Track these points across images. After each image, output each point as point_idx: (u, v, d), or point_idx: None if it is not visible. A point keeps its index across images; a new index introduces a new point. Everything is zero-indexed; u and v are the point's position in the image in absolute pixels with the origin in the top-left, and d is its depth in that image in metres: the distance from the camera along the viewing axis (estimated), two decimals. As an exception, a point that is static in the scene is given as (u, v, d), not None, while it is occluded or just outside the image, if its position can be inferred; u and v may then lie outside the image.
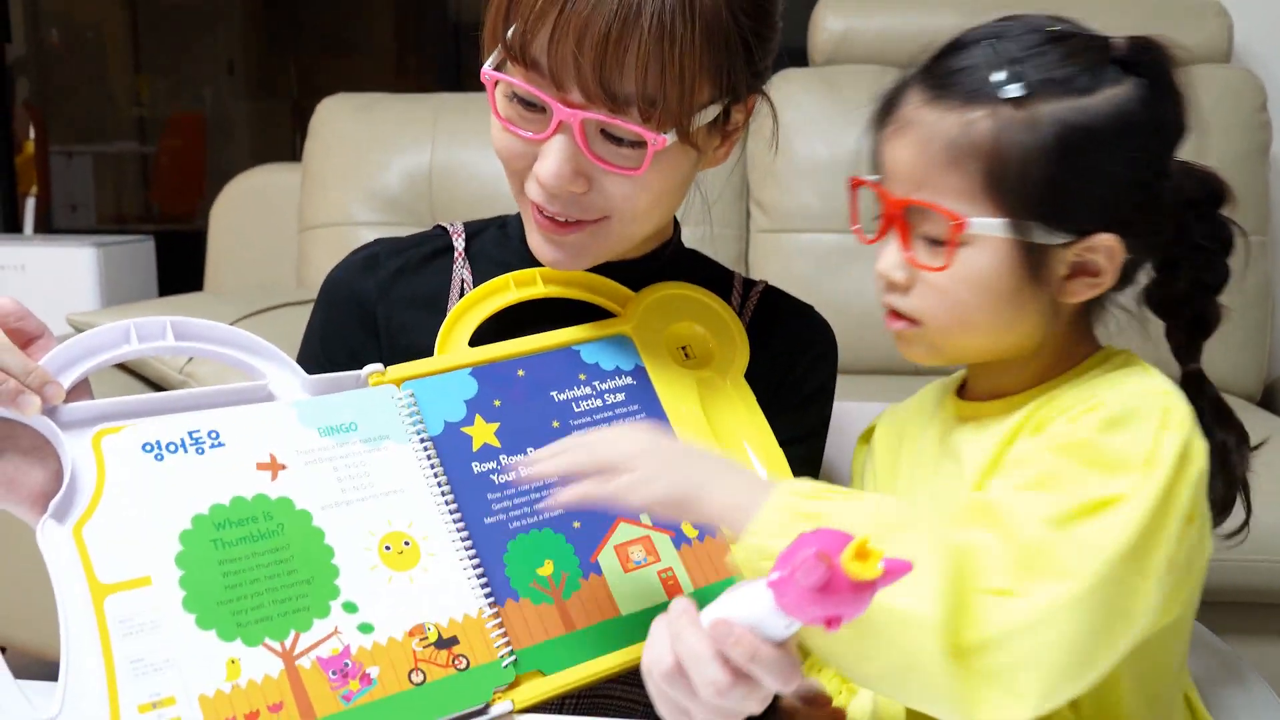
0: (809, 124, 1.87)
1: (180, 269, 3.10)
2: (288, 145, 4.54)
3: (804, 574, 0.55)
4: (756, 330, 0.93)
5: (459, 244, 0.93)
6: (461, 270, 0.92)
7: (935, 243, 0.74)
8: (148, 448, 0.71)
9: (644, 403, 0.86)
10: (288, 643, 0.69)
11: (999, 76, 0.72)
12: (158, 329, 0.75)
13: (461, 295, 0.90)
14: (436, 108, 2.04)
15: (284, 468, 0.74)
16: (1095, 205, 0.72)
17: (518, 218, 0.93)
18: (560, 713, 0.81)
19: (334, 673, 0.69)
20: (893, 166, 0.76)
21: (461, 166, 1.98)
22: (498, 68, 0.80)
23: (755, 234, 1.89)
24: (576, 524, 0.80)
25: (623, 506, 0.69)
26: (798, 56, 2.04)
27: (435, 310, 0.89)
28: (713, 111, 0.81)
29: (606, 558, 0.79)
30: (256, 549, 0.71)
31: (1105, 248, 0.73)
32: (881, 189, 0.77)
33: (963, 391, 0.84)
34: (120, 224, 4.57)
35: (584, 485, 0.70)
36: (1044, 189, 0.71)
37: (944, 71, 0.75)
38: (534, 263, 0.88)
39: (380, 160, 2.01)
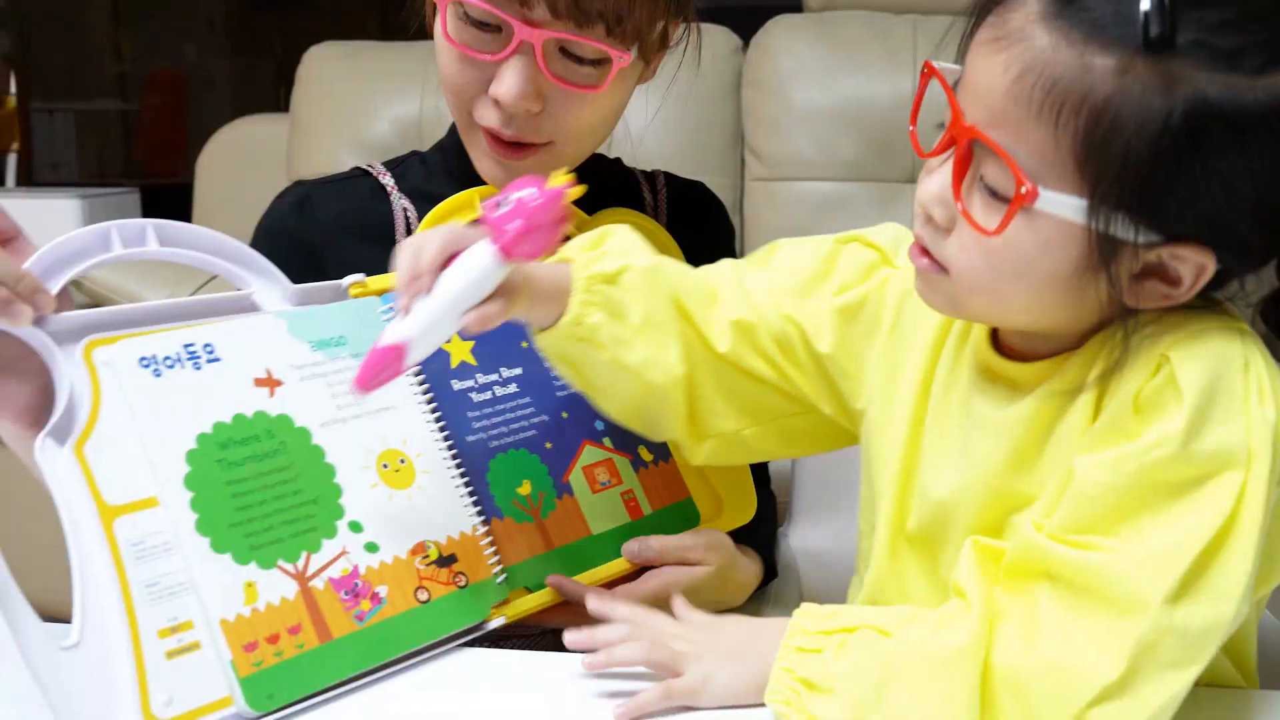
0: (805, 71, 1.85)
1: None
2: (271, 101, 4.49)
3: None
4: (674, 218, 0.97)
5: (387, 180, 0.94)
6: (400, 201, 0.92)
7: (995, 196, 0.60)
8: (144, 362, 0.69)
9: None
10: (300, 564, 0.68)
11: (1146, 7, 0.55)
12: (139, 232, 0.73)
13: (407, 225, 0.90)
14: (425, 55, 2.00)
15: (280, 384, 0.73)
16: (1203, 214, 0.58)
17: (436, 149, 0.96)
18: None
19: (346, 593, 0.68)
20: (975, 81, 0.60)
21: (449, 113, 1.95)
22: None
23: (750, 182, 1.87)
24: (549, 444, 0.82)
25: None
26: (793, 3, 2.01)
27: (384, 242, 0.89)
28: (659, 28, 0.83)
29: (576, 479, 0.82)
30: (262, 469, 0.69)
31: (1195, 263, 0.59)
32: (955, 101, 0.62)
33: (995, 336, 0.70)
34: (102, 181, 4.52)
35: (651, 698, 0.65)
36: (1148, 177, 0.56)
37: None
38: (461, 189, 0.89)
39: (369, 108, 1.98)
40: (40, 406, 0.69)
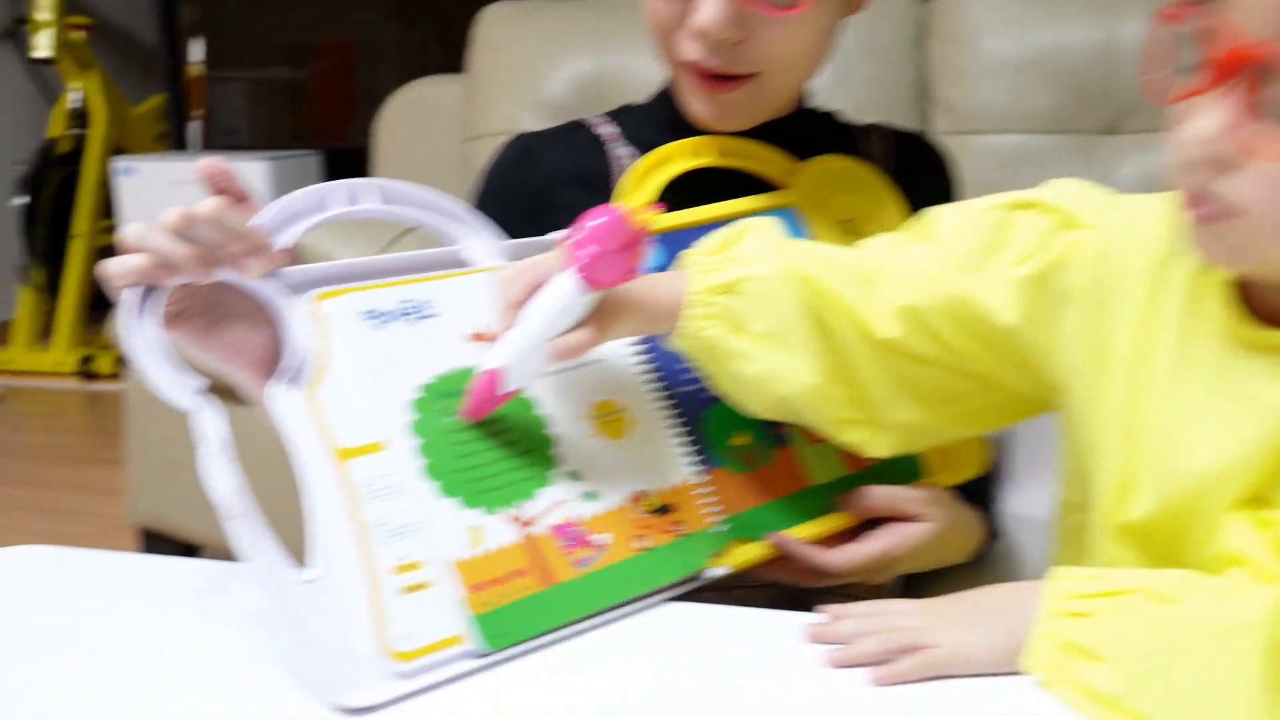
0: (996, 18, 1.78)
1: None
2: (436, 64, 4.57)
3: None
4: (897, 170, 0.93)
5: (604, 131, 0.94)
6: (618, 148, 0.92)
7: None
8: (368, 315, 0.70)
9: None
10: (521, 511, 0.68)
11: None
12: (360, 190, 0.74)
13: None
14: (601, 11, 2.01)
15: (494, 339, 0.73)
16: None
17: (653, 99, 0.95)
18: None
19: (566, 540, 0.69)
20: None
21: (629, 71, 1.94)
22: None
23: (936, 136, 1.82)
24: None
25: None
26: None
27: (603, 191, 0.90)
28: None
29: (792, 428, 0.80)
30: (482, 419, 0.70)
31: None
32: (1226, 18, 0.55)
33: (1247, 300, 0.63)
34: (277, 146, 4.67)
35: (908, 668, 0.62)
36: None
37: None
38: (677, 137, 0.89)
39: (546, 67, 1.99)
40: (274, 357, 0.71)
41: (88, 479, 2.74)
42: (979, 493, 0.88)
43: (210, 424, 0.63)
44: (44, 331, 3.68)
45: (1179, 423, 0.64)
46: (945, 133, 1.81)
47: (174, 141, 3.38)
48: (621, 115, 0.96)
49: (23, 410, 3.29)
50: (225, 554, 0.66)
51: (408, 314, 0.71)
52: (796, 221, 0.88)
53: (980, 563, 0.88)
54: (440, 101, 2.26)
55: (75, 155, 3.59)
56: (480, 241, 0.78)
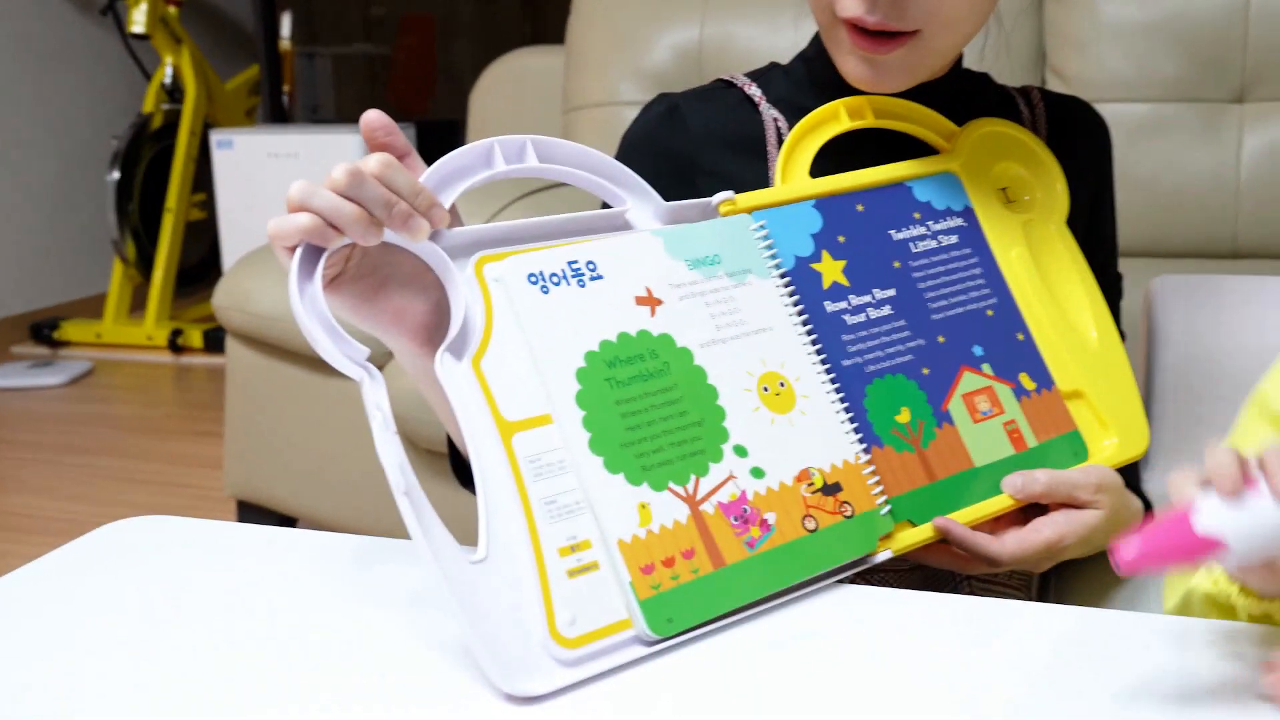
0: (1118, -18, 1.71)
1: (437, 156, 3.16)
2: (517, 39, 4.56)
3: None
4: (1053, 135, 0.91)
5: (754, 91, 0.90)
6: (770, 112, 0.88)
7: None
8: (533, 278, 0.67)
9: (975, 246, 0.83)
10: (690, 487, 0.65)
11: None
12: (520, 148, 0.71)
13: (779, 137, 0.87)
14: (704, -21, 1.97)
15: (660, 303, 0.70)
16: None
17: (798, 59, 0.91)
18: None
19: (735, 518, 0.66)
20: None
21: (731, 39, 1.90)
22: None
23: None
24: (925, 370, 0.77)
25: None
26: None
27: (756, 154, 0.87)
28: None
29: (956, 407, 0.77)
30: (648, 388, 0.67)
31: None
32: None
33: None
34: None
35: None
36: None
37: None
38: (827, 99, 0.85)
39: (647, 36, 1.96)
40: (435, 324, 0.69)
41: (180, 451, 2.78)
42: (1129, 473, 0.84)
43: (377, 395, 0.61)
44: (136, 305, 3.74)
45: None
46: (1064, 102, 1.75)
47: (268, 115, 3.39)
48: (768, 75, 0.93)
49: (114, 383, 3.34)
50: (321, 526, 0.64)
51: (575, 275, 0.68)
52: (957, 189, 0.84)
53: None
54: (538, 72, 2.24)
55: (168, 130, 3.63)
56: (640, 202, 0.75)
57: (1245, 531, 0.53)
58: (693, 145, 0.88)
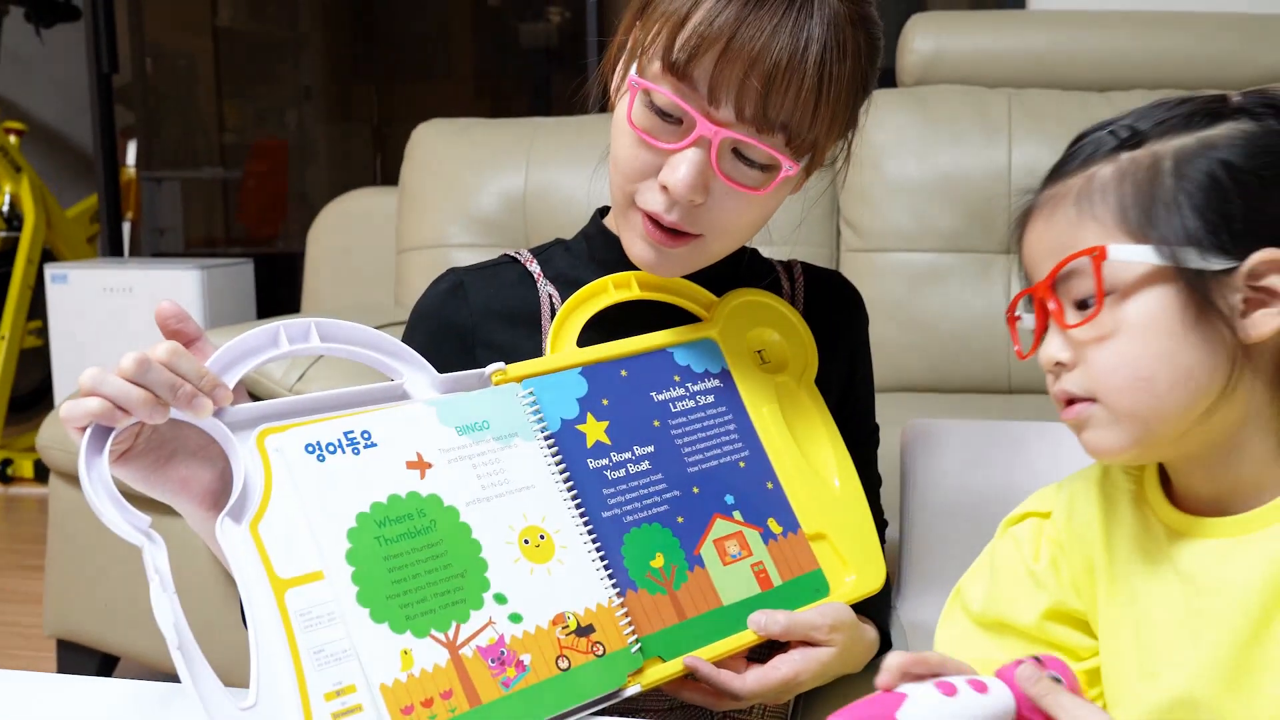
0: (900, 144, 1.89)
1: (275, 291, 3.19)
2: (369, 170, 4.64)
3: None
4: (810, 307, 0.99)
5: (533, 268, 0.97)
6: (546, 288, 0.96)
7: (1087, 305, 0.69)
8: (310, 448, 0.74)
9: (730, 404, 0.91)
10: (451, 633, 0.72)
11: (1113, 134, 0.71)
12: (304, 330, 0.79)
13: (552, 310, 0.94)
14: (531, 131, 2.09)
15: (430, 466, 0.77)
16: (1250, 224, 0.66)
17: (580, 236, 0.99)
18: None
19: (493, 660, 0.72)
20: (1030, 255, 0.74)
21: (555, 188, 2.02)
22: (647, 77, 0.84)
23: (846, 253, 1.91)
24: (680, 519, 0.85)
25: None
26: (886, 78, 2.06)
27: (532, 326, 0.94)
28: (837, 146, 0.87)
29: (707, 551, 0.85)
30: (415, 544, 0.74)
31: (1272, 263, 0.66)
32: (1029, 286, 0.74)
33: (1171, 498, 0.74)
34: (209, 247, 4.69)
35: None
36: (1183, 213, 0.67)
37: (1060, 162, 0.74)
38: (604, 274, 0.92)
39: (476, 183, 2.06)
40: (219, 490, 0.75)
41: (3, 586, 2.70)
42: (873, 604, 0.93)
43: (157, 558, 0.67)
44: (-36, 433, 3.63)
45: (1143, 617, 0.73)
46: (854, 250, 1.90)
47: (106, 247, 3.39)
48: (550, 251, 1.00)
49: (-61, 513, 3.23)
50: (144, 664, 0.69)
51: (351, 444, 0.75)
52: (715, 354, 0.93)
53: (870, 671, 0.93)
54: (373, 212, 2.31)
55: (6, 258, 3.59)
56: (417, 375, 0.82)
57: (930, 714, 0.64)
58: (474, 319, 0.95)
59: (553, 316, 0.94)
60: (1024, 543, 0.82)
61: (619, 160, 0.87)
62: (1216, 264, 0.66)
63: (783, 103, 0.80)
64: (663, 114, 0.83)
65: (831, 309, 1.01)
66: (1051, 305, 0.71)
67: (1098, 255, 0.67)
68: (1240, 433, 0.69)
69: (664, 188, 0.84)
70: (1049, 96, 1.89)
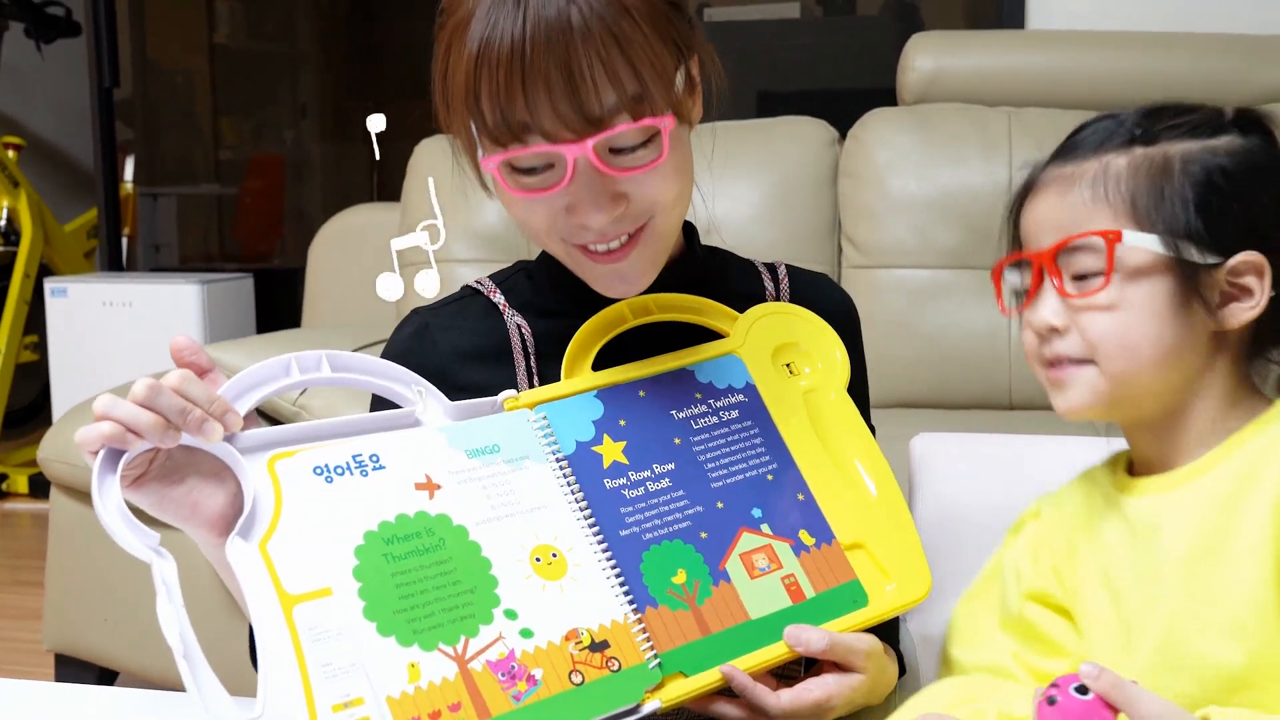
0: (901, 161, 1.90)
1: (275, 306, 3.20)
2: (365, 187, 4.65)
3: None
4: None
5: (498, 299, 0.96)
6: (514, 318, 0.94)
7: (1088, 278, 0.76)
8: (318, 470, 0.75)
9: (756, 418, 0.90)
10: (459, 647, 0.72)
11: (1124, 129, 0.78)
12: (315, 361, 0.80)
13: (521, 340, 0.93)
14: (531, 147, 2.09)
15: (439, 487, 0.78)
16: (1238, 227, 0.75)
17: (540, 263, 0.96)
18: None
19: (503, 674, 0.73)
20: (1034, 225, 0.79)
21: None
22: (494, 152, 0.82)
23: (847, 269, 1.92)
24: (703, 534, 0.84)
25: None
26: (888, 97, 2.06)
27: (503, 360, 0.93)
28: (680, 76, 0.83)
29: (734, 566, 0.84)
30: (423, 561, 0.74)
31: (1252, 264, 0.75)
32: (1028, 252, 0.79)
33: (1131, 472, 0.83)
34: (206, 262, 4.69)
35: None
36: (1189, 211, 0.75)
37: (1070, 144, 0.80)
38: (569, 299, 0.92)
39: (478, 198, 2.05)
40: (231, 515, 0.75)
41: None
42: (890, 629, 0.92)
43: (165, 572, 0.67)
44: (-41, 448, 3.62)
45: (1117, 577, 0.79)
46: (855, 266, 1.91)
47: (105, 261, 3.38)
48: (514, 278, 0.98)
49: (-67, 529, 3.22)
50: (143, 679, 0.70)
51: (359, 466, 0.76)
52: (739, 369, 0.92)
53: (889, 705, 0.92)
54: (373, 228, 2.31)
55: (4, 272, 3.59)
56: (430, 403, 0.83)
57: None
58: (443, 362, 0.93)
59: (524, 349, 0.93)
60: (1016, 545, 0.87)
61: (529, 225, 0.86)
62: (1208, 259, 0.75)
63: (597, 93, 0.78)
64: (529, 170, 0.82)
65: (820, 311, 0.98)
66: (1054, 279, 0.77)
67: (1113, 238, 0.74)
68: (1190, 401, 0.78)
69: (584, 228, 0.83)
70: (1048, 115, 1.90)
